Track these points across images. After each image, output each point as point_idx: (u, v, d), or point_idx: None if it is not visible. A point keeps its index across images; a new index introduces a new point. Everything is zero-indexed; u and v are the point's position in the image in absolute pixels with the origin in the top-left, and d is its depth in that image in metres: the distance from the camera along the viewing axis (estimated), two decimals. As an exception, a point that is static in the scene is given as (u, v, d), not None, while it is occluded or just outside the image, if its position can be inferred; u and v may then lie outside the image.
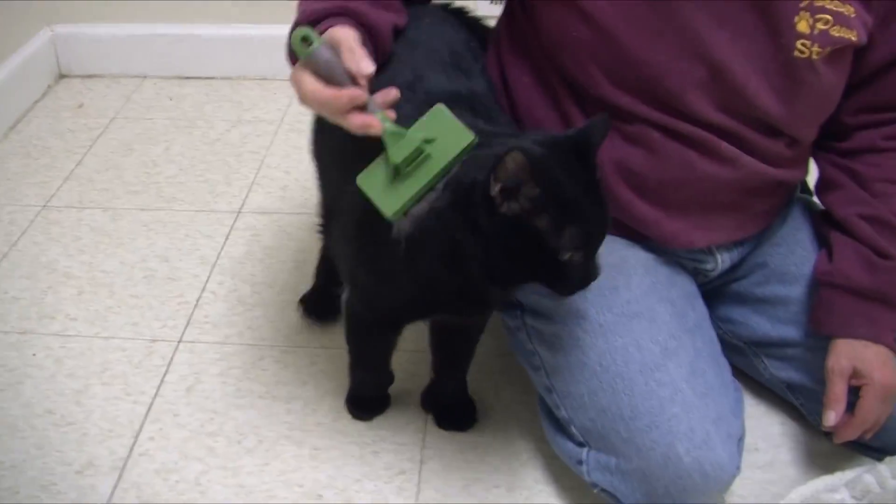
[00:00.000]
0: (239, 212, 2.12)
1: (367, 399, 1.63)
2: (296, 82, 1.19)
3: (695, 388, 1.36)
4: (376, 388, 1.63)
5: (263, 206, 2.14)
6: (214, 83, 2.66)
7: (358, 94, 1.16)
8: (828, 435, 1.46)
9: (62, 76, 2.72)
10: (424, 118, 1.18)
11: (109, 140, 2.41)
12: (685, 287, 1.49)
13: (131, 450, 1.56)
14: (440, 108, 1.18)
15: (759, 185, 1.45)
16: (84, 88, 2.66)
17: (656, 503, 1.34)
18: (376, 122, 1.16)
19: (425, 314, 1.43)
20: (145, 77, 2.69)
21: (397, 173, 1.16)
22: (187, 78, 2.68)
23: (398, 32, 1.38)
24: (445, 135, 1.17)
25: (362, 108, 1.17)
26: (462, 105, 1.27)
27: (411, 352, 1.65)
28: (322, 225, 1.57)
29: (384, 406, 1.64)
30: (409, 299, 1.33)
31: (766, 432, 1.59)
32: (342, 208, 1.38)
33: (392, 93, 1.20)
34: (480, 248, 1.16)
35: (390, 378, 1.61)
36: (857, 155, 1.48)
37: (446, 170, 1.16)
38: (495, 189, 1.12)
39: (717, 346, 1.48)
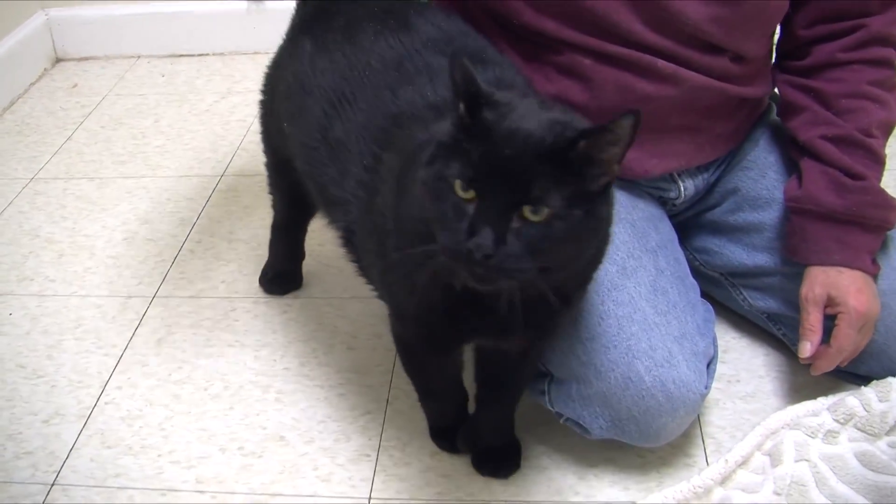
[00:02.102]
0: (222, 175, 2.11)
1: (449, 429, 1.42)
2: None
3: (656, 306, 1.32)
4: (454, 418, 1.41)
5: (246, 169, 2.13)
6: (207, 59, 2.67)
7: None
8: (808, 367, 1.40)
9: (58, 60, 2.74)
10: None
11: (101, 116, 2.42)
12: (648, 210, 1.44)
13: (98, 399, 1.55)
14: None
15: (714, 103, 1.40)
16: (79, 70, 2.68)
17: (621, 428, 1.30)
18: None
19: (456, 329, 1.20)
20: (139, 57, 2.71)
21: None
22: (180, 56, 2.69)
23: None
24: None
25: None
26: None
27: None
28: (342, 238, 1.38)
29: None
30: (431, 307, 1.16)
31: (749, 364, 1.54)
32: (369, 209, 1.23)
33: None
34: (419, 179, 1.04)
35: (465, 400, 1.41)
36: (818, 72, 1.42)
37: None
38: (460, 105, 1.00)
39: (684, 267, 1.43)
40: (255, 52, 2.65)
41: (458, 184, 0.96)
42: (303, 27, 1.46)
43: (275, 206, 1.70)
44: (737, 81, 1.39)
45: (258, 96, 2.42)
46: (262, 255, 1.83)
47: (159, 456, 1.44)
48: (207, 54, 2.68)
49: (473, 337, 1.24)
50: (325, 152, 1.31)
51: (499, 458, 1.38)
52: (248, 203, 2.01)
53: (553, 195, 0.94)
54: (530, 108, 1.00)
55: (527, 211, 0.94)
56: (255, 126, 2.27)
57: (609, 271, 1.31)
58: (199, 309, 1.72)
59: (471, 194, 0.96)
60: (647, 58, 1.31)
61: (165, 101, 2.46)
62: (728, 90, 1.38)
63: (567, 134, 0.96)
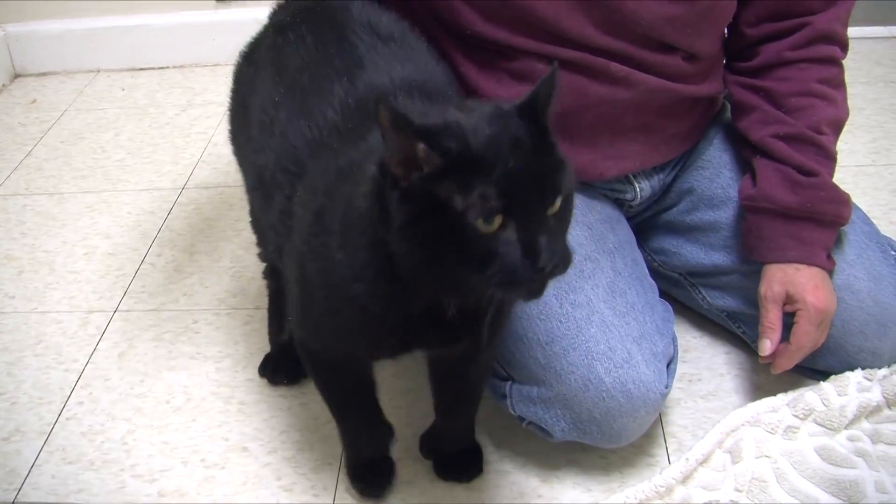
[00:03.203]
0: (183, 188, 2.10)
1: (366, 466, 1.36)
2: None
3: (614, 308, 1.32)
4: (371, 447, 1.35)
5: (208, 181, 2.12)
6: (167, 73, 2.66)
7: None
8: (768, 365, 1.42)
9: (17, 75, 2.72)
10: None
11: (60, 131, 2.40)
12: (605, 211, 1.45)
13: (59, 415, 1.53)
14: None
15: (668, 103, 1.41)
16: (38, 85, 2.66)
17: (583, 430, 1.30)
18: None
19: (384, 345, 1.16)
20: (99, 71, 2.70)
21: None
22: (140, 69, 2.69)
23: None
24: None
25: None
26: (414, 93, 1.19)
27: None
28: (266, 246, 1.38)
29: (390, 472, 1.36)
30: (354, 326, 1.10)
31: (710, 363, 1.55)
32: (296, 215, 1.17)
33: None
34: (401, 241, 0.95)
35: (386, 431, 1.35)
36: (767, 71, 1.43)
37: None
38: (390, 161, 0.93)
39: (642, 268, 1.44)
40: (216, 65, 2.64)
41: (479, 221, 0.90)
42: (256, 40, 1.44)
43: (265, 273, 1.59)
44: (689, 80, 1.40)
45: (218, 108, 2.44)
46: (223, 267, 1.83)
47: (121, 470, 1.43)
48: (167, 67, 2.67)
49: (414, 348, 1.18)
50: (253, 176, 1.29)
51: (461, 463, 1.37)
52: (209, 215, 2.00)
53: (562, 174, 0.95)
54: (482, 113, 0.96)
55: (555, 204, 0.94)
56: (216, 138, 2.29)
57: (567, 274, 1.31)
58: (160, 322, 1.71)
59: (496, 223, 0.91)
60: (600, 61, 1.32)
61: (125, 115, 2.45)
62: (681, 90, 1.39)
63: (535, 107, 0.96)
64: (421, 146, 0.90)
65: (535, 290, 0.95)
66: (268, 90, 1.26)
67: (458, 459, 1.37)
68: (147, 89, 2.58)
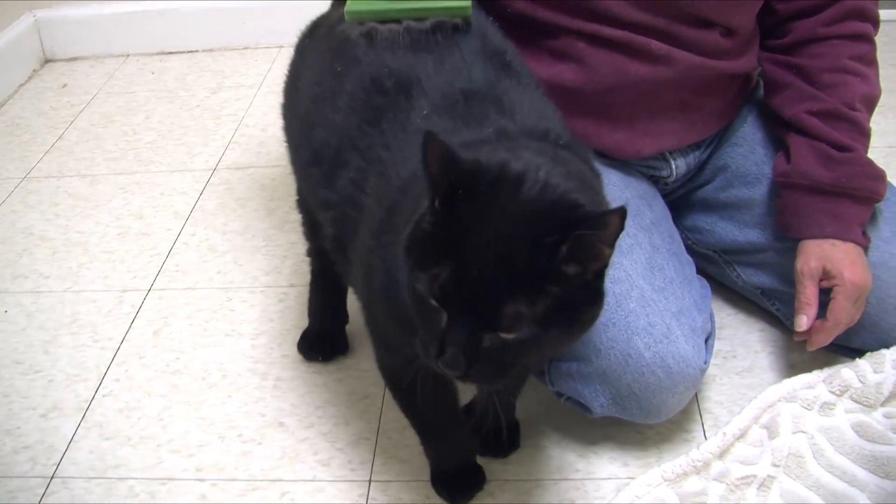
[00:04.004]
0: (215, 169, 2.11)
1: (454, 475, 1.32)
2: None
3: (653, 283, 1.32)
4: (461, 456, 1.32)
5: (239, 161, 2.13)
6: (197, 56, 2.67)
7: None
8: (803, 343, 1.41)
9: (47, 61, 2.74)
10: None
11: (91, 114, 2.41)
12: (641, 188, 1.45)
13: (96, 392, 1.55)
14: None
15: (706, 80, 1.41)
16: (68, 70, 2.67)
17: (622, 405, 1.30)
18: None
19: None
20: (128, 56, 2.70)
21: None
22: (170, 53, 2.69)
23: None
24: None
25: None
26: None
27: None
28: (320, 243, 1.35)
29: (480, 478, 1.32)
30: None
31: (745, 339, 1.54)
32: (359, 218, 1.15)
33: None
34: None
35: (473, 441, 1.33)
36: (799, 48, 1.43)
37: (421, 11, 1.14)
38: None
39: (679, 244, 1.44)
40: (245, 48, 2.65)
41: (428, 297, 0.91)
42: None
43: (308, 251, 1.55)
44: (727, 57, 1.40)
45: (248, 91, 2.46)
46: (257, 246, 1.84)
47: (158, 446, 1.44)
48: (197, 51, 2.68)
49: None
50: (309, 152, 1.27)
51: (499, 438, 1.37)
52: (241, 195, 2.01)
53: (526, 320, 0.89)
54: (513, 191, 0.91)
55: (500, 333, 0.90)
56: (247, 120, 2.30)
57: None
58: (194, 300, 1.72)
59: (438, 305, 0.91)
60: (641, 39, 1.32)
61: (156, 98, 2.46)
62: (719, 67, 1.39)
63: (548, 240, 0.88)
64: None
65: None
66: (329, 61, 1.25)
67: (496, 435, 1.36)
68: (177, 73, 2.58)
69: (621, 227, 0.88)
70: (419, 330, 0.96)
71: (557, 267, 0.89)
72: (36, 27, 2.69)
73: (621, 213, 0.87)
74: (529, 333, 0.90)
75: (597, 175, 1.08)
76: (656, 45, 1.33)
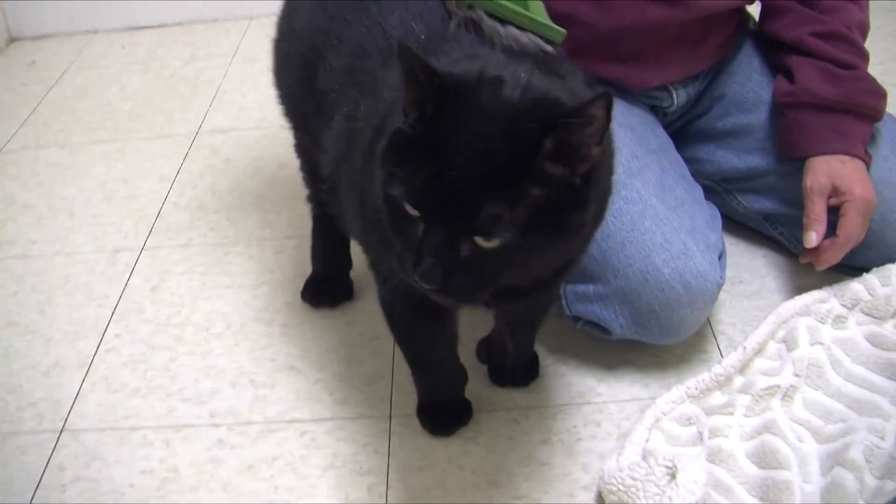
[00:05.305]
0: (197, 133, 2.08)
1: (441, 407, 1.31)
2: None
3: (665, 202, 1.32)
4: (450, 391, 1.31)
5: (221, 125, 2.10)
6: (167, 29, 2.63)
7: None
8: (808, 266, 1.42)
9: (13, 39, 2.68)
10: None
11: (64, 88, 2.37)
12: (643, 116, 1.46)
13: (97, 347, 1.51)
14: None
15: (712, 14, 1.42)
16: (36, 49, 2.62)
17: (642, 325, 1.30)
18: None
19: None
20: (96, 31, 2.66)
21: None
22: (139, 28, 2.65)
23: None
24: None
25: None
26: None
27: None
28: (319, 188, 1.32)
29: (466, 414, 1.31)
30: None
31: (750, 265, 1.55)
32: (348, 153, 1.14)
33: None
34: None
35: (463, 376, 1.30)
36: None
37: (526, 20, 1.11)
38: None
39: (685, 167, 1.45)
40: (215, 20, 2.62)
41: (405, 203, 0.89)
42: None
43: (308, 197, 1.51)
44: None
45: (222, 59, 2.42)
46: (248, 203, 1.82)
47: (168, 395, 1.41)
48: (166, 24, 2.64)
49: None
50: (312, 101, 1.25)
51: (517, 369, 1.35)
52: (227, 156, 1.98)
53: (506, 223, 0.85)
54: (497, 101, 0.88)
55: (478, 239, 0.87)
56: (225, 86, 2.27)
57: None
58: (190, 256, 1.69)
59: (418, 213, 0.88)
60: None
61: (128, 70, 2.42)
62: (730, 5, 1.41)
63: (528, 135, 0.85)
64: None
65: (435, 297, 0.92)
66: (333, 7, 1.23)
67: (514, 366, 1.36)
68: (148, 46, 2.54)
69: (608, 119, 0.85)
70: (395, 244, 0.93)
71: (541, 165, 0.85)
72: (0, 6, 2.62)
73: (606, 101, 0.83)
74: (509, 239, 0.86)
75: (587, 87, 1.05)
76: None
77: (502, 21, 1.11)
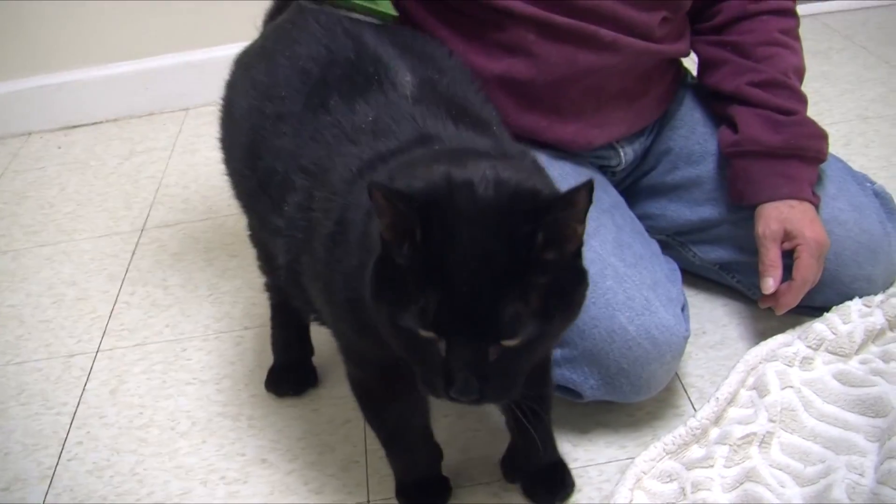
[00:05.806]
0: (143, 229, 2.05)
1: (420, 486, 1.28)
2: None
3: (624, 259, 1.33)
4: (426, 468, 1.28)
5: (166, 219, 2.08)
6: (102, 127, 2.60)
7: None
8: (768, 311, 1.44)
9: (-57, 147, 2.64)
10: None
11: (1, 193, 2.33)
12: (593, 176, 1.45)
13: (59, 457, 1.47)
14: None
15: (648, 66, 1.45)
16: (-32, 155, 2.58)
17: (612, 384, 1.30)
18: None
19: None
20: (30, 133, 2.62)
21: None
22: (74, 127, 2.61)
23: None
24: None
25: None
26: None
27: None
28: (277, 276, 1.29)
29: (446, 491, 1.28)
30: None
31: (711, 315, 1.57)
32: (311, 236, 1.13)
33: None
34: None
35: (438, 451, 1.28)
36: (731, 26, 1.49)
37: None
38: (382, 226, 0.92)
39: (639, 224, 1.46)
40: (150, 114, 2.60)
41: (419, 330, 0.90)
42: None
43: (266, 286, 1.49)
44: (667, 41, 1.44)
45: (162, 153, 2.41)
46: (201, 295, 1.79)
47: (138, 500, 1.37)
48: (101, 122, 2.61)
49: None
50: (255, 182, 1.25)
51: (549, 482, 1.27)
52: (176, 250, 1.95)
53: (526, 316, 0.89)
54: (477, 204, 0.90)
55: (505, 342, 0.90)
56: (167, 180, 2.25)
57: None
58: (147, 355, 1.66)
59: (431, 333, 0.90)
60: (591, 28, 1.35)
61: (67, 171, 2.38)
62: (662, 51, 1.44)
63: (519, 231, 0.88)
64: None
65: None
66: (268, 86, 1.23)
67: (544, 477, 1.27)
68: (84, 145, 2.51)
69: (589, 201, 0.90)
70: (415, 367, 0.95)
71: (538, 256, 0.89)
72: (-72, 115, 2.58)
73: (587, 187, 0.88)
74: (533, 330, 0.90)
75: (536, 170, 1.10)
76: (604, 31, 1.35)
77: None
